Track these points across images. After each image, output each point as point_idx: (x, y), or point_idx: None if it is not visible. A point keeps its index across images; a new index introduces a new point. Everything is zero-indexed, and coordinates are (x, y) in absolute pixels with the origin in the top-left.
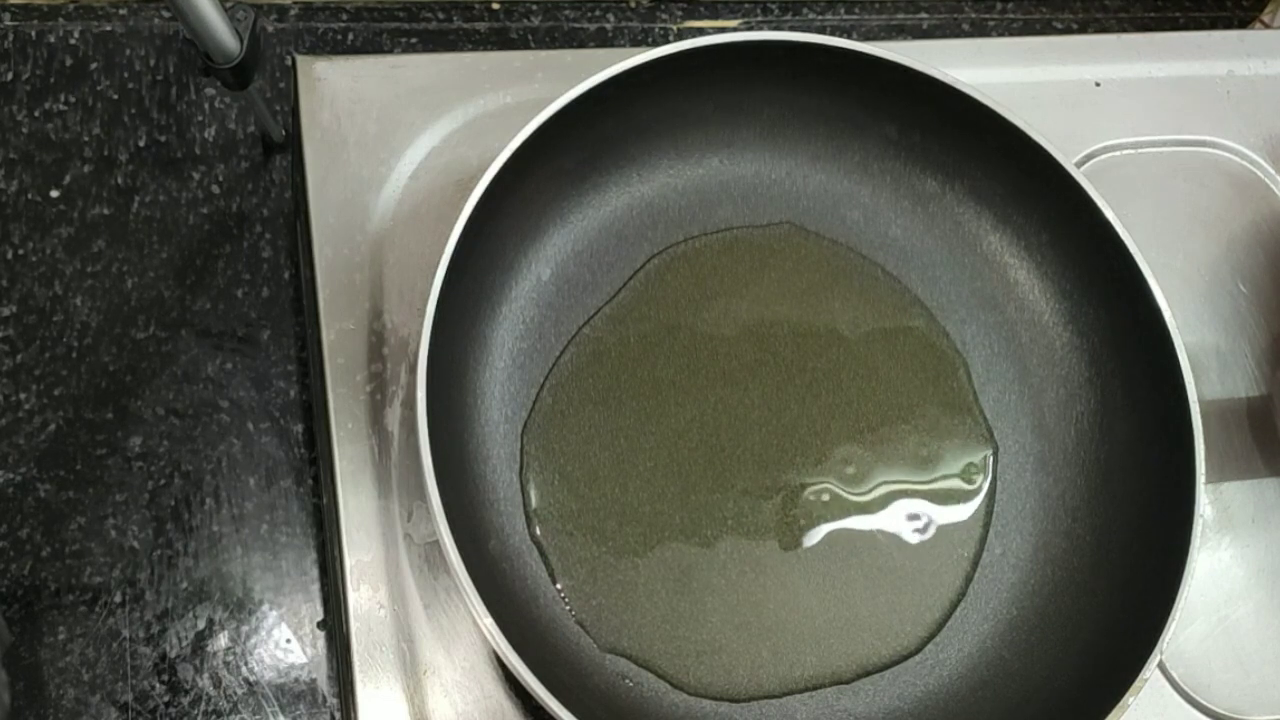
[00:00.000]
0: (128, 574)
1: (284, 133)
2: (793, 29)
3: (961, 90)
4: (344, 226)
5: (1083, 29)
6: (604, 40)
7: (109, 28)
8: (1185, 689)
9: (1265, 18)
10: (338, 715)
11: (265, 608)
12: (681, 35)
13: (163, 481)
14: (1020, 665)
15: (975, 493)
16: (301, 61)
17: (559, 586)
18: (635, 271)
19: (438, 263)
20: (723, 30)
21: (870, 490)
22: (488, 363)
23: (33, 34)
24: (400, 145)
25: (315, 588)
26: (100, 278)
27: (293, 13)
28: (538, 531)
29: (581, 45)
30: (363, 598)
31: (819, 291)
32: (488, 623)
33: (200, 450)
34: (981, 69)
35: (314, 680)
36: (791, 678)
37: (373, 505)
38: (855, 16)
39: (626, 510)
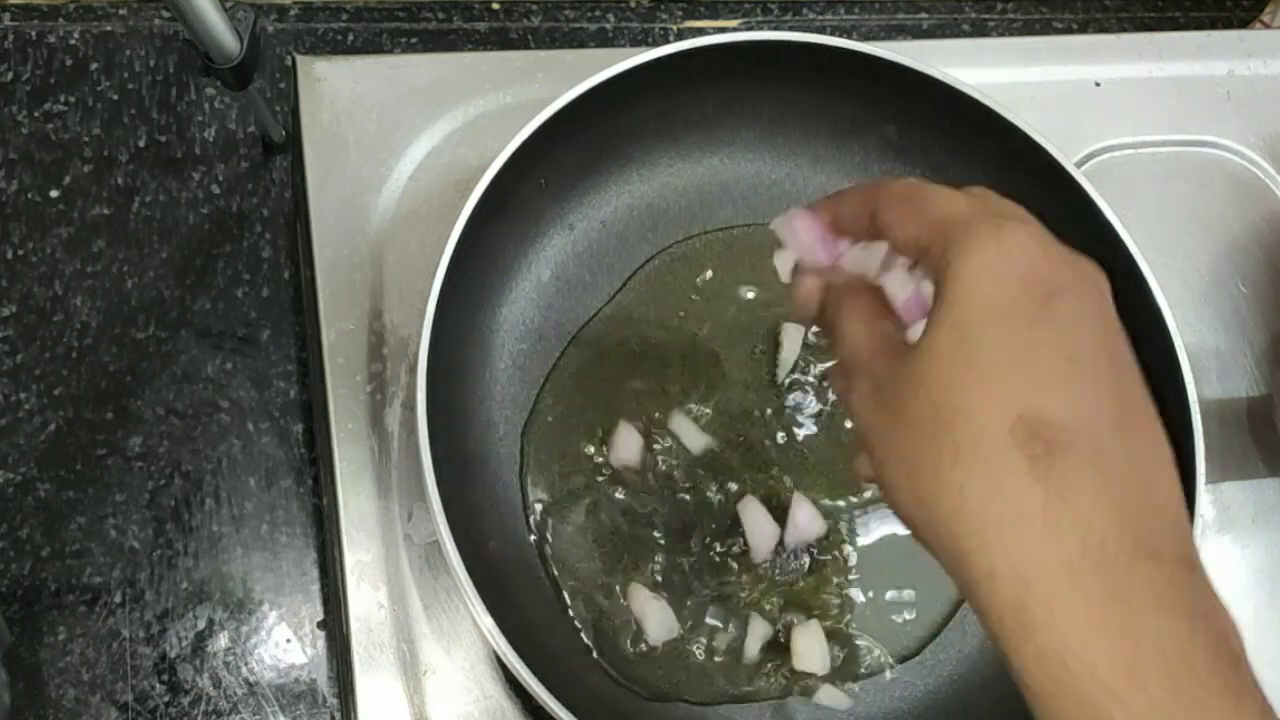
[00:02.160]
0: (128, 574)
1: (284, 133)
2: (793, 29)
3: (961, 90)
4: (344, 226)
5: (1083, 29)
6: (604, 40)
7: (109, 28)
8: None
9: (1265, 18)
10: (338, 715)
11: (265, 608)
12: (681, 35)
13: (163, 481)
14: None
15: None
16: (301, 61)
17: (558, 587)
18: (635, 271)
19: (438, 263)
20: (723, 30)
21: (873, 491)
22: (488, 363)
23: (33, 34)
24: (400, 145)
25: (315, 588)
26: (100, 278)
27: (293, 13)
28: (537, 531)
29: (581, 45)
30: (363, 598)
31: None
32: (488, 623)
33: (200, 450)
34: (981, 69)
35: (314, 680)
36: (792, 678)
37: (373, 505)
38: (855, 16)
39: (627, 509)
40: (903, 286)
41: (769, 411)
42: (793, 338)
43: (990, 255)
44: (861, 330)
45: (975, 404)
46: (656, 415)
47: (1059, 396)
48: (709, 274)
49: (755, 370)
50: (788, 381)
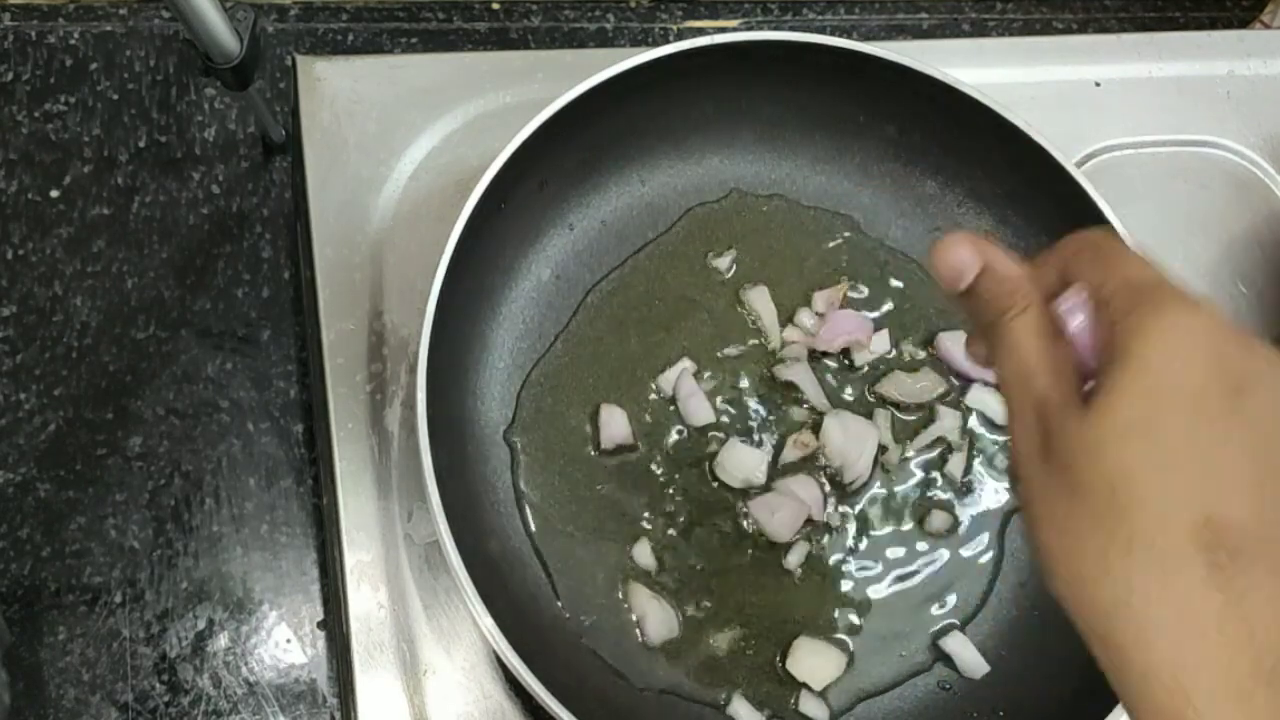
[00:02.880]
0: (128, 574)
1: (284, 133)
2: (793, 29)
3: (961, 90)
4: (344, 226)
5: (1083, 29)
6: (604, 40)
7: (109, 28)
8: None
9: (1265, 18)
10: (338, 715)
11: (265, 608)
12: (681, 35)
13: (163, 481)
14: (1020, 667)
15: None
16: (301, 61)
17: (558, 588)
18: (635, 269)
19: (438, 263)
20: (723, 30)
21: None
22: (488, 363)
23: (33, 34)
24: (400, 145)
25: (315, 588)
26: (100, 278)
27: (293, 13)
28: (536, 531)
29: (581, 45)
30: (363, 598)
31: None
32: (488, 623)
33: (200, 450)
34: (981, 69)
35: (314, 680)
36: (792, 680)
37: (373, 505)
38: (855, 16)
39: (626, 510)
40: (1074, 311)
41: (767, 387)
42: (760, 299)
43: (1183, 331)
44: (1037, 348)
45: (1158, 496)
46: (648, 401)
47: (1247, 501)
48: (708, 274)
49: (750, 346)
50: (781, 349)
